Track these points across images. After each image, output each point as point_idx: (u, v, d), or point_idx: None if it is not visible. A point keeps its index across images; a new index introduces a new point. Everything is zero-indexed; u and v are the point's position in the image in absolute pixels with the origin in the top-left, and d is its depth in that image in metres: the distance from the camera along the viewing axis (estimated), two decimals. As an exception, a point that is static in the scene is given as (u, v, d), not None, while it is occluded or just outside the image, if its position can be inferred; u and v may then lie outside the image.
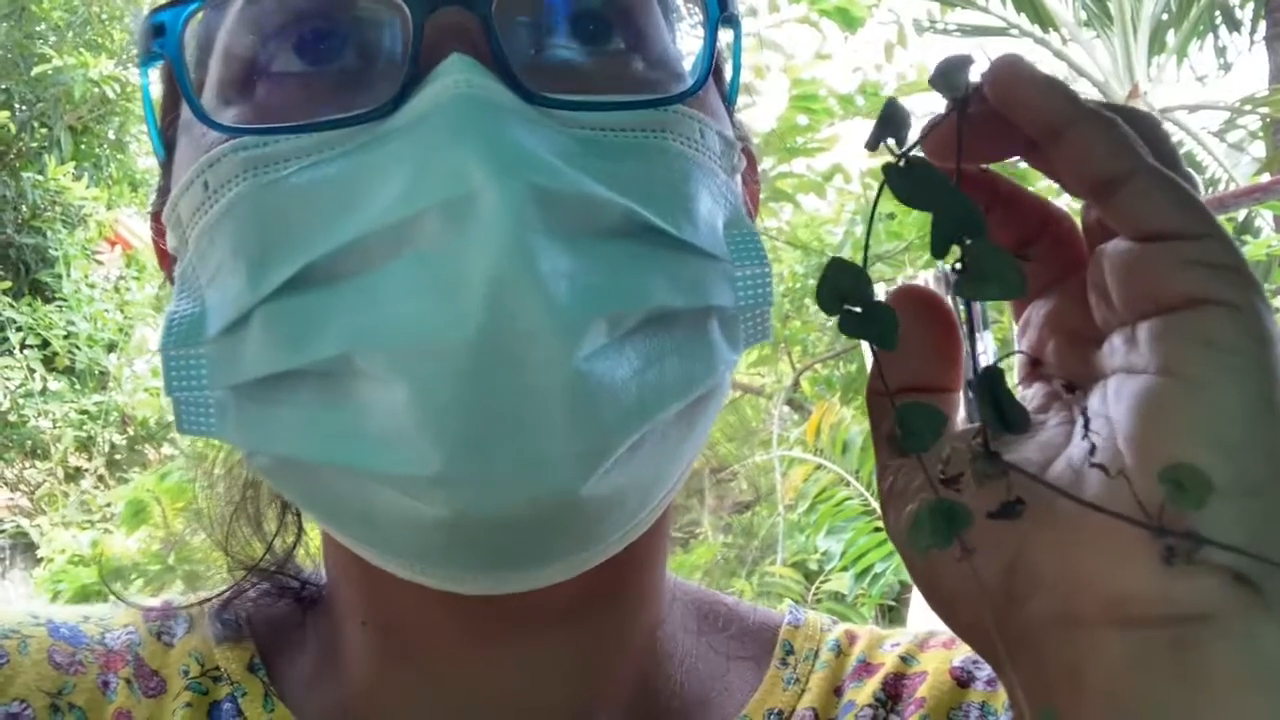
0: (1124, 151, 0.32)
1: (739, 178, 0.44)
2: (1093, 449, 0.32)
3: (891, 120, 0.33)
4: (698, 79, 0.41)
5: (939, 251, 0.31)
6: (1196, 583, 0.29)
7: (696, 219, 0.39)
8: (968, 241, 0.31)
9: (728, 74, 0.48)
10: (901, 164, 0.32)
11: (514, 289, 0.33)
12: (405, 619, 0.45)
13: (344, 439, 0.37)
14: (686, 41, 0.44)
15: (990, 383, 0.32)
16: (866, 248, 0.36)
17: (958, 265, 0.31)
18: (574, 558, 0.39)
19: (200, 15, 0.41)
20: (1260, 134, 5.33)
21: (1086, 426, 0.33)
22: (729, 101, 0.47)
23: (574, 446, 0.36)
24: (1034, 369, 0.38)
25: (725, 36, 0.45)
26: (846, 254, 3.63)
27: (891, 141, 0.33)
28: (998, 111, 0.34)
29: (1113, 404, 0.33)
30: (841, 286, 0.32)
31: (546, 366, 0.34)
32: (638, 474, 0.38)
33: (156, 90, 0.46)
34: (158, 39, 0.40)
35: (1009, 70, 0.33)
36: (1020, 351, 0.38)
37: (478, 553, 0.38)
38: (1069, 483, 0.32)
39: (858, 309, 0.32)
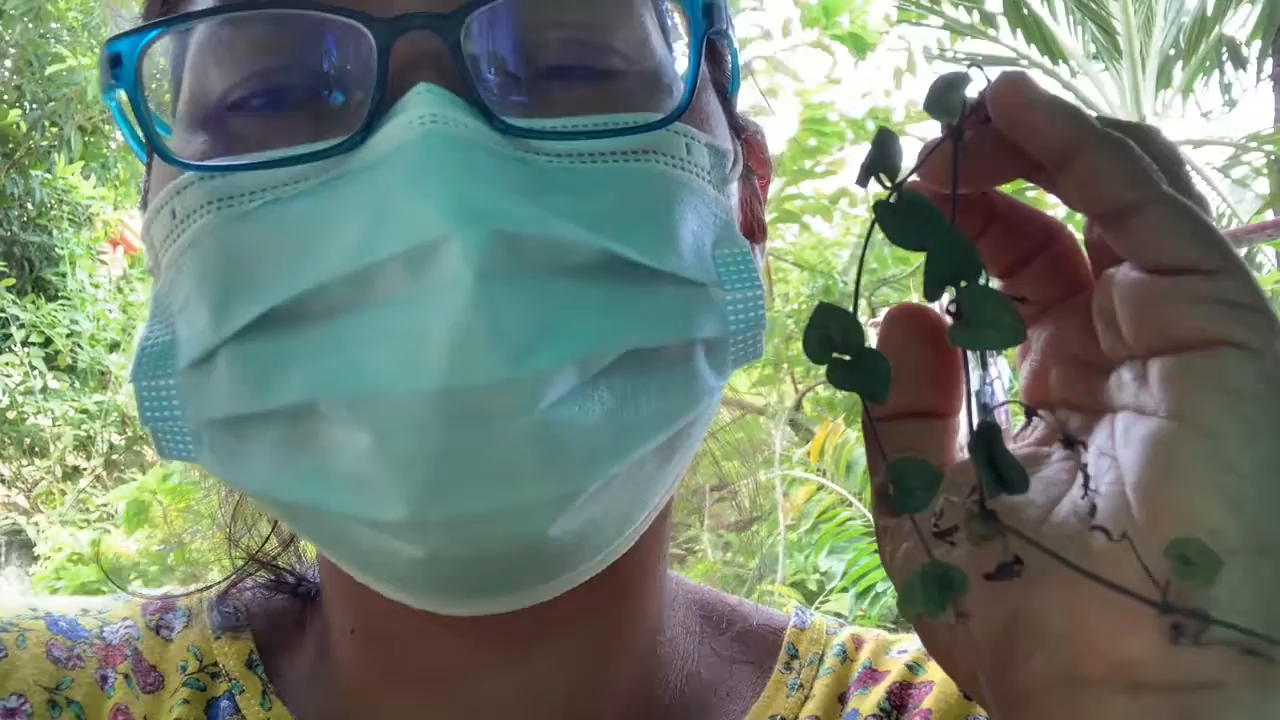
0: (1137, 178, 0.30)
1: (733, 186, 0.43)
2: (1093, 509, 0.31)
3: (883, 153, 0.31)
4: (680, 102, 0.39)
5: (931, 295, 0.30)
6: (1206, 652, 0.28)
7: (680, 246, 0.38)
8: (962, 285, 0.29)
9: (728, 60, 0.46)
10: (892, 200, 0.30)
11: (476, 342, 0.33)
12: (394, 631, 0.45)
13: (314, 481, 0.36)
14: (676, 54, 0.41)
15: (987, 441, 0.30)
16: (856, 295, 0.34)
17: (951, 309, 0.30)
18: (551, 584, 0.39)
19: (168, 38, 0.40)
20: (1265, 171, 5.34)
21: (1086, 484, 0.31)
22: (729, 92, 0.45)
23: (542, 493, 0.35)
24: (1038, 396, 0.36)
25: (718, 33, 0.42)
26: (852, 276, 3.64)
27: (884, 176, 0.31)
28: (999, 132, 0.32)
29: (1120, 446, 0.31)
30: (829, 334, 0.30)
31: (512, 416, 0.34)
32: (613, 505, 0.38)
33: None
34: (115, 69, 0.38)
35: (1013, 90, 0.31)
36: (1015, 402, 0.36)
37: (454, 584, 0.38)
38: (1072, 533, 0.31)
39: (846, 358, 0.30)
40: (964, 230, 0.33)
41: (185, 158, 0.39)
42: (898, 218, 0.30)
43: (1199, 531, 0.28)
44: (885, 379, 0.30)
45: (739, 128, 0.45)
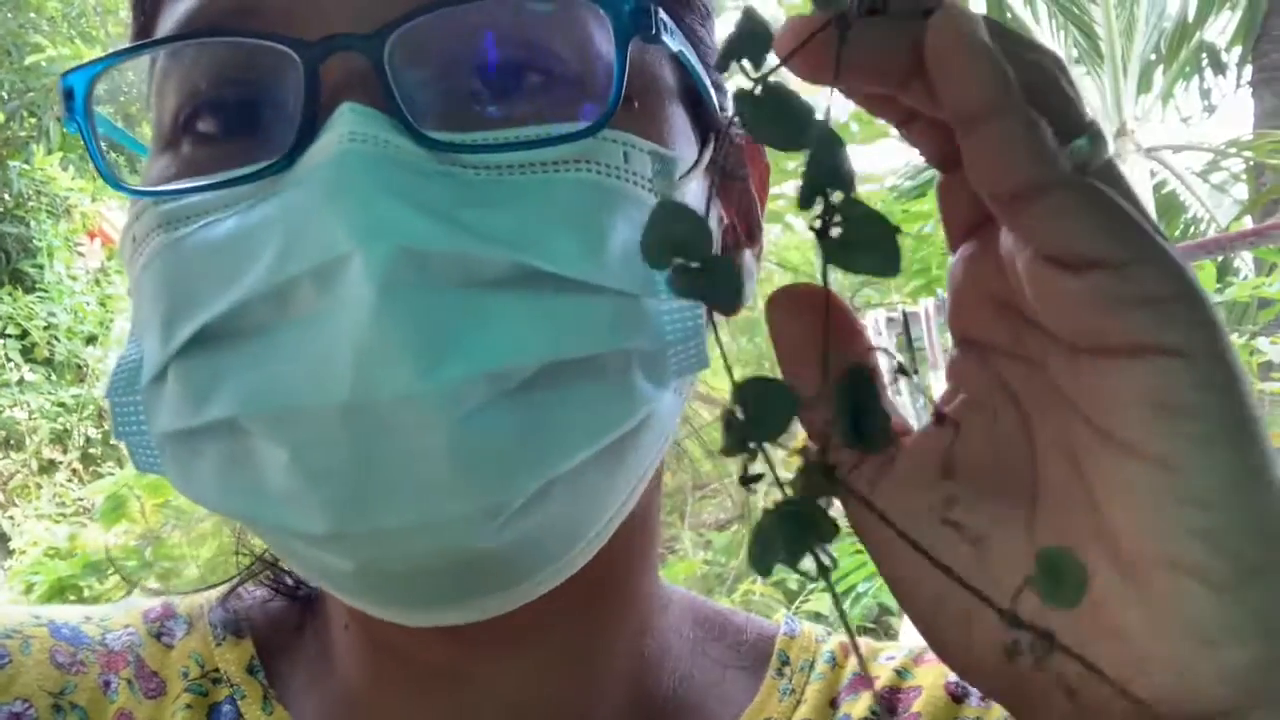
0: (1043, 159, 0.27)
1: (685, 191, 0.42)
2: (951, 500, 0.29)
3: (748, 36, 0.27)
4: (605, 110, 0.38)
5: (805, 203, 0.25)
6: (1218, 685, 0.27)
7: (607, 257, 0.37)
8: (835, 198, 0.25)
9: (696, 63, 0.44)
10: (757, 91, 0.26)
11: (380, 356, 0.33)
12: (382, 631, 0.44)
13: (249, 495, 0.37)
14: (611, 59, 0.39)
15: (854, 386, 0.26)
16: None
17: (818, 223, 0.25)
18: (503, 595, 0.39)
19: (145, 65, 0.41)
20: (1243, 177, 5.39)
21: (949, 472, 0.30)
22: (701, 94, 0.43)
23: (459, 506, 0.35)
24: (961, 331, 0.33)
25: (675, 43, 0.41)
26: (834, 276, 3.64)
27: (748, 65, 0.27)
28: (884, 27, 0.29)
29: (1082, 460, 0.29)
30: (673, 236, 0.26)
31: (423, 430, 0.34)
32: (552, 518, 0.38)
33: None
34: (69, 102, 0.40)
35: (953, 25, 0.28)
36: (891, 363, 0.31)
37: (394, 596, 0.39)
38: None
39: (693, 264, 0.26)
40: (888, 122, 0.31)
41: (149, 180, 0.40)
42: (760, 110, 0.26)
43: (1186, 574, 0.27)
44: (734, 286, 0.26)
45: (720, 132, 0.44)
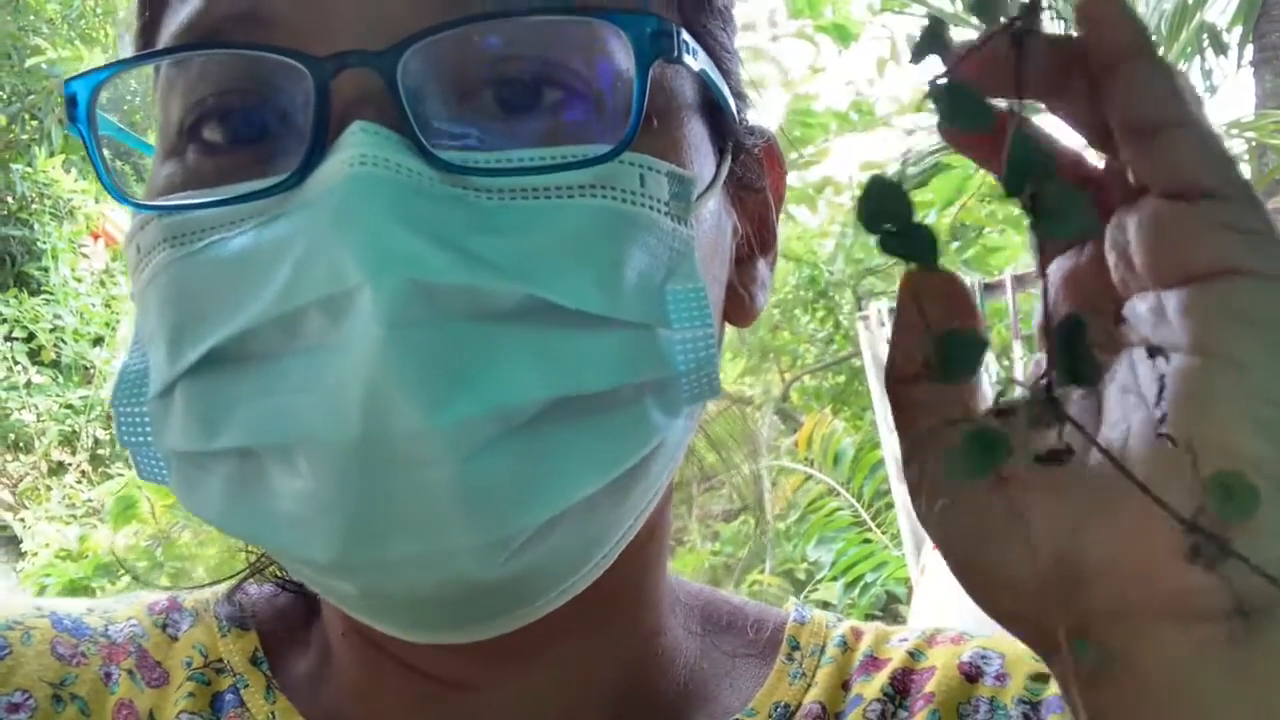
0: (1176, 99, 0.31)
1: (705, 210, 0.41)
2: (1162, 418, 0.31)
3: (935, 37, 0.31)
4: (624, 136, 0.37)
5: (1012, 187, 0.30)
6: (1256, 576, 0.28)
7: (619, 288, 0.36)
8: (1041, 178, 0.30)
9: (732, 69, 0.45)
10: (946, 86, 0.30)
11: (389, 394, 0.33)
12: (381, 639, 0.44)
13: (255, 519, 0.37)
14: (631, 81, 0.38)
15: (1068, 331, 0.30)
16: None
17: (1029, 203, 0.30)
18: (502, 620, 0.39)
19: (150, 71, 0.41)
20: (1246, 157, 5.38)
21: (1161, 394, 0.31)
22: (720, 106, 0.43)
23: (467, 540, 0.35)
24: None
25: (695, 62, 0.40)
26: (838, 266, 3.66)
27: (936, 62, 0.31)
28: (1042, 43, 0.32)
29: (1146, 383, 0.31)
30: (883, 206, 0.31)
31: (431, 465, 0.34)
32: (558, 547, 0.37)
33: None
34: (72, 109, 0.39)
35: None
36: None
37: (399, 619, 0.39)
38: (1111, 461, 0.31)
39: (895, 229, 0.31)
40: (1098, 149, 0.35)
41: (154, 189, 0.40)
42: (952, 98, 0.30)
43: (1240, 464, 0.28)
44: (933, 245, 0.32)
45: (738, 143, 0.45)
